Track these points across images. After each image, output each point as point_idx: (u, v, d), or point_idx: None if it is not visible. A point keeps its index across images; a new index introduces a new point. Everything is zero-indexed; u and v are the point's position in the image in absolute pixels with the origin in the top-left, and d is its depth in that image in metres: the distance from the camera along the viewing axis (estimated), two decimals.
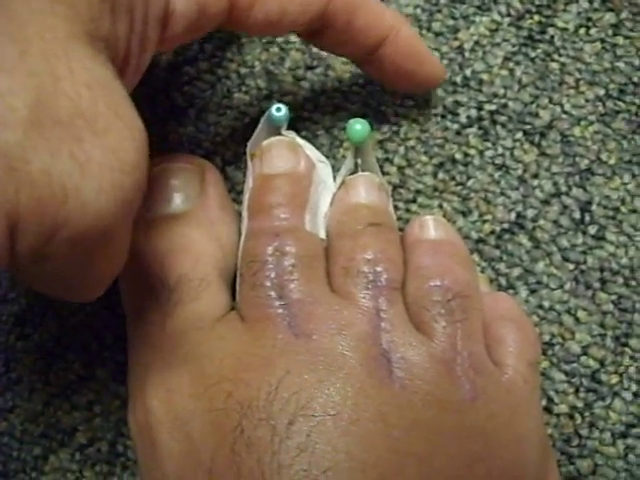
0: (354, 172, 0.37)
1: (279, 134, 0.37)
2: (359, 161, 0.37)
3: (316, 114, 0.42)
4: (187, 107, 0.43)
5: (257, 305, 0.33)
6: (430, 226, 0.36)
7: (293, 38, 0.43)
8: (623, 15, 0.43)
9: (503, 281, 0.40)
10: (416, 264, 0.35)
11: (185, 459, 0.31)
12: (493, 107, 0.42)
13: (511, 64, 0.42)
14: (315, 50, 0.43)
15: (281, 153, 0.36)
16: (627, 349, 0.39)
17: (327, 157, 0.37)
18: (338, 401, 0.30)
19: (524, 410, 0.34)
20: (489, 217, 0.41)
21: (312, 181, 0.36)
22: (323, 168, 0.37)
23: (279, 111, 0.36)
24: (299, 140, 0.37)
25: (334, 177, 0.37)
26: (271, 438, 0.29)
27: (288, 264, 0.33)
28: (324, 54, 0.42)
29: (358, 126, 0.35)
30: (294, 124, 0.42)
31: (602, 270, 0.40)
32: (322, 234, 0.35)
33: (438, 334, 0.33)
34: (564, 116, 0.42)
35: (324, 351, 0.32)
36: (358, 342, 0.32)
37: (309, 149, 0.37)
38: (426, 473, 0.30)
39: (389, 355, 0.32)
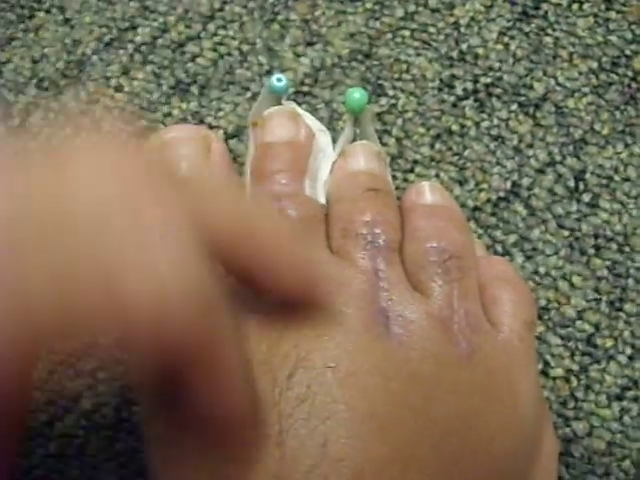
0: (353, 141, 0.38)
1: (280, 104, 0.38)
2: (358, 131, 0.38)
3: (316, 89, 0.43)
4: (190, 83, 0.43)
5: None
6: (426, 191, 0.37)
7: (293, 16, 0.44)
8: None
9: (499, 248, 0.40)
10: (413, 227, 0.35)
11: None
12: (488, 80, 0.42)
13: (506, 39, 0.43)
14: (315, 27, 0.43)
15: (282, 122, 0.37)
16: (622, 313, 0.40)
17: (327, 129, 0.38)
18: (336, 354, 0.31)
19: (520, 369, 0.34)
20: (485, 186, 0.41)
21: (312, 149, 0.37)
22: (323, 137, 0.38)
23: (279, 81, 0.36)
24: (299, 110, 0.37)
25: (333, 146, 0.38)
26: (272, 389, 0.30)
27: None
28: (323, 31, 0.43)
29: (356, 95, 0.36)
30: (295, 98, 0.43)
31: (596, 237, 0.40)
32: (322, 200, 0.36)
33: (435, 293, 0.33)
34: (558, 88, 0.42)
35: (323, 307, 0.32)
36: (356, 300, 0.32)
37: (309, 118, 0.37)
38: (423, 424, 0.30)
39: (387, 313, 0.32)
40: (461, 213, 0.37)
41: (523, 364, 0.34)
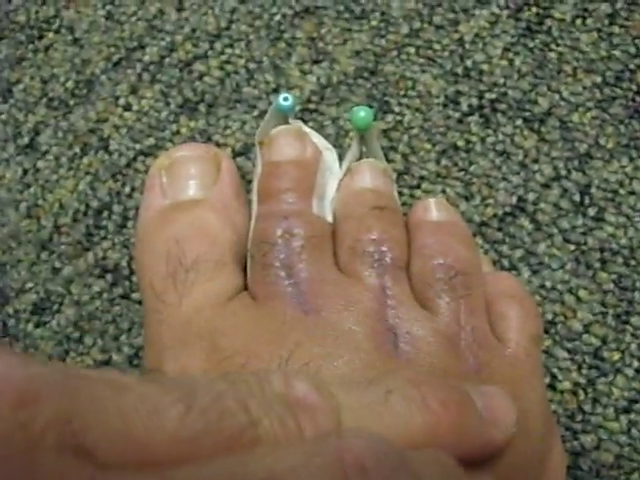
0: (359, 159, 0.38)
1: (287, 123, 0.38)
2: (364, 148, 0.38)
3: (322, 106, 0.43)
4: (198, 102, 0.44)
5: (267, 284, 0.34)
6: (433, 208, 0.37)
7: (299, 34, 0.44)
8: (618, 5, 0.44)
9: (506, 262, 0.40)
10: (420, 244, 0.36)
11: None
12: (493, 96, 0.43)
13: (510, 54, 0.43)
14: (321, 45, 0.44)
15: (288, 141, 0.37)
16: (628, 326, 0.40)
17: (334, 146, 0.38)
18: (346, 372, 0.31)
19: (527, 383, 0.34)
20: (491, 201, 0.41)
21: (319, 167, 0.37)
22: (329, 155, 0.38)
23: (286, 100, 0.37)
24: (305, 128, 0.38)
25: (340, 164, 0.38)
26: None
27: (297, 245, 0.34)
28: (329, 49, 0.43)
29: (362, 113, 0.36)
30: (301, 116, 0.43)
31: (602, 250, 0.40)
32: (329, 218, 0.36)
33: (442, 310, 0.34)
34: (562, 103, 0.42)
35: (332, 326, 0.32)
36: (365, 317, 0.33)
37: (315, 137, 0.38)
38: None
39: (395, 330, 0.33)
40: (467, 229, 0.37)
41: (530, 378, 0.34)
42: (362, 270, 0.34)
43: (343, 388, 0.26)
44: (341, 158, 0.38)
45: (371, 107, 0.36)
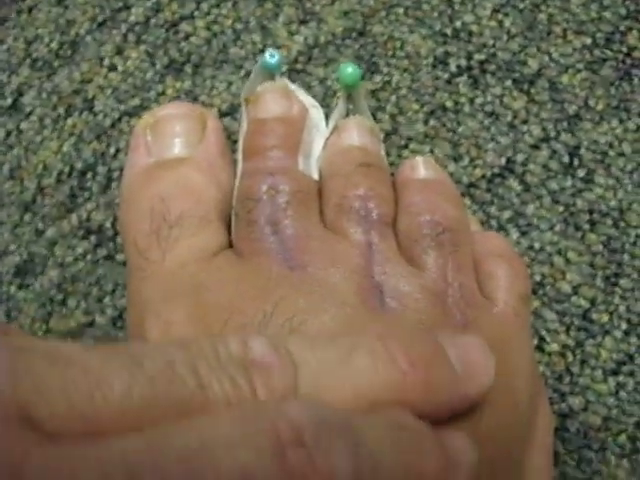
0: (346, 117, 0.37)
1: (273, 80, 0.38)
2: (351, 107, 0.38)
3: (310, 66, 0.42)
4: (184, 62, 0.43)
5: (252, 240, 0.33)
6: (420, 166, 0.37)
7: None
8: None
9: (494, 224, 0.40)
10: (407, 201, 0.35)
11: None
12: (482, 57, 0.42)
13: (500, 15, 0.43)
14: (309, 5, 0.43)
15: (274, 98, 0.37)
16: (617, 288, 0.39)
17: (321, 107, 0.38)
18: (331, 327, 0.30)
19: (515, 342, 0.34)
20: (480, 162, 0.41)
21: (305, 125, 0.36)
22: (316, 113, 0.37)
23: (272, 57, 0.36)
24: (292, 86, 0.37)
25: (327, 122, 0.38)
26: None
27: (282, 201, 0.34)
28: (317, 9, 0.43)
29: (349, 69, 0.36)
30: (289, 76, 0.42)
31: (591, 212, 0.40)
32: (315, 176, 0.36)
33: (429, 266, 0.33)
34: (552, 64, 0.42)
35: (318, 282, 0.32)
36: (351, 273, 0.32)
37: (302, 94, 0.37)
38: None
39: (381, 286, 0.32)
40: (455, 188, 0.36)
41: (518, 338, 0.34)
42: (348, 227, 0.33)
43: (305, 345, 0.25)
44: (328, 117, 0.38)
45: (358, 65, 0.35)
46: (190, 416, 0.21)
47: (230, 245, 0.35)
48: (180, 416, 0.21)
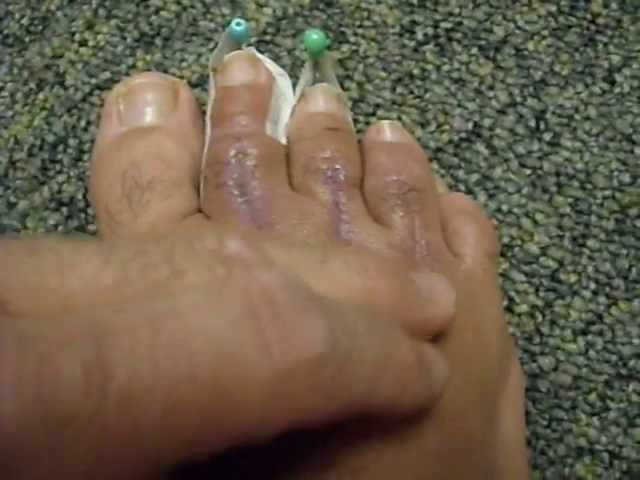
0: (313, 84, 0.38)
1: (240, 49, 0.38)
2: (318, 75, 0.38)
3: (278, 37, 0.42)
4: (154, 36, 0.43)
5: (221, 202, 0.34)
6: (387, 130, 0.37)
7: None
8: None
9: (462, 187, 0.40)
10: (373, 163, 0.35)
11: None
12: (449, 25, 0.42)
13: None
14: None
15: (242, 66, 0.37)
16: (585, 249, 0.39)
17: (290, 77, 0.38)
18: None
19: (484, 298, 0.34)
20: (447, 127, 0.41)
21: (272, 92, 0.37)
22: (283, 81, 0.38)
23: (239, 25, 0.37)
24: (259, 54, 0.38)
25: (294, 90, 0.38)
26: None
27: (250, 164, 0.34)
28: None
29: (315, 36, 0.36)
30: (257, 47, 0.43)
31: (558, 174, 0.40)
32: (283, 142, 0.36)
33: (396, 224, 0.34)
34: (518, 31, 0.42)
35: (286, 239, 0.33)
36: (318, 231, 0.32)
37: (269, 63, 0.37)
38: None
39: (349, 244, 0.33)
40: (421, 150, 0.37)
41: (487, 293, 0.34)
42: (316, 187, 0.34)
43: (282, 248, 0.25)
44: (296, 87, 0.38)
45: (324, 32, 0.36)
46: None
47: (200, 210, 0.35)
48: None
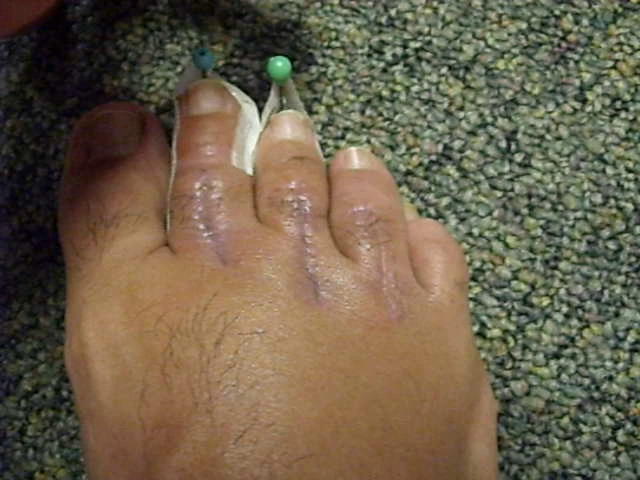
0: (279, 111, 0.38)
1: (205, 77, 0.38)
2: (284, 100, 0.38)
3: (246, 60, 0.42)
4: (121, 60, 0.43)
5: (186, 237, 0.34)
6: (354, 157, 0.37)
7: None
8: None
9: (432, 211, 0.40)
10: (340, 192, 0.35)
11: (118, 384, 0.32)
12: (418, 44, 0.42)
13: (435, 3, 0.42)
14: None
15: (207, 95, 0.37)
16: (557, 272, 0.39)
17: (257, 100, 0.38)
18: (265, 320, 0.31)
19: (452, 329, 0.34)
20: (417, 150, 0.40)
21: (238, 121, 0.37)
22: (248, 108, 0.38)
23: (203, 54, 0.37)
24: (224, 83, 0.38)
25: (260, 118, 0.38)
26: (199, 357, 0.30)
27: (215, 197, 0.34)
28: (252, 1, 0.43)
29: (279, 63, 0.36)
30: (225, 70, 0.43)
31: (529, 196, 0.40)
32: (249, 171, 0.36)
33: (362, 256, 0.33)
34: (488, 50, 0.42)
35: (251, 275, 0.32)
36: (283, 266, 0.32)
37: (234, 91, 0.37)
38: (353, 387, 0.30)
39: (315, 278, 0.33)
40: (389, 177, 0.37)
41: (455, 324, 0.34)
42: (281, 219, 0.34)
43: None
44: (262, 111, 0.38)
45: (291, 59, 0.36)
46: None
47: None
48: None
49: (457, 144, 0.41)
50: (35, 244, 0.41)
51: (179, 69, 0.43)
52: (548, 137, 0.41)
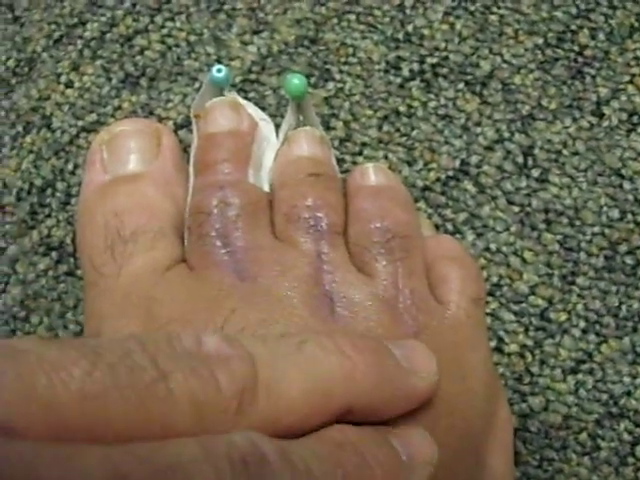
0: (296, 128, 0.38)
1: (222, 95, 0.38)
2: (301, 117, 0.38)
3: (263, 76, 0.42)
4: (139, 76, 0.43)
5: (204, 254, 0.34)
6: (370, 173, 0.37)
7: (239, 4, 0.44)
8: None
9: (450, 226, 0.40)
10: (357, 208, 0.35)
11: None
12: (435, 60, 0.42)
13: (451, 18, 0.42)
14: (261, 15, 0.43)
15: (224, 112, 0.37)
16: (574, 287, 0.39)
17: (275, 116, 0.38)
18: None
19: (469, 345, 0.34)
20: (434, 165, 0.40)
21: (255, 138, 0.37)
22: (265, 126, 0.38)
23: (220, 72, 0.37)
24: (241, 100, 0.38)
25: (277, 135, 0.38)
26: None
27: (232, 214, 0.34)
28: (270, 18, 0.43)
29: (296, 80, 0.36)
30: (242, 86, 0.43)
31: (547, 211, 0.40)
32: (266, 188, 0.36)
33: (379, 273, 0.33)
34: (504, 65, 0.42)
35: (268, 292, 0.32)
36: (300, 283, 0.32)
37: (251, 108, 0.38)
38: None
39: (331, 295, 0.33)
40: (406, 193, 0.37)
41: (471, 340, 0.34)
42: (298, 236, 0.34)
43: (256, 341, 0.26)
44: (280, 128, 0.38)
45: (307, 76, 0.36)
46: (152, 406, 0.21)
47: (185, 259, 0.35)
48: (143, 406, 0.21)
49: (474, 159, 0.41)
50: (54, 258, 0.42)
51: (197, 85, 0.43)
52: (565, 152, 0.41)
